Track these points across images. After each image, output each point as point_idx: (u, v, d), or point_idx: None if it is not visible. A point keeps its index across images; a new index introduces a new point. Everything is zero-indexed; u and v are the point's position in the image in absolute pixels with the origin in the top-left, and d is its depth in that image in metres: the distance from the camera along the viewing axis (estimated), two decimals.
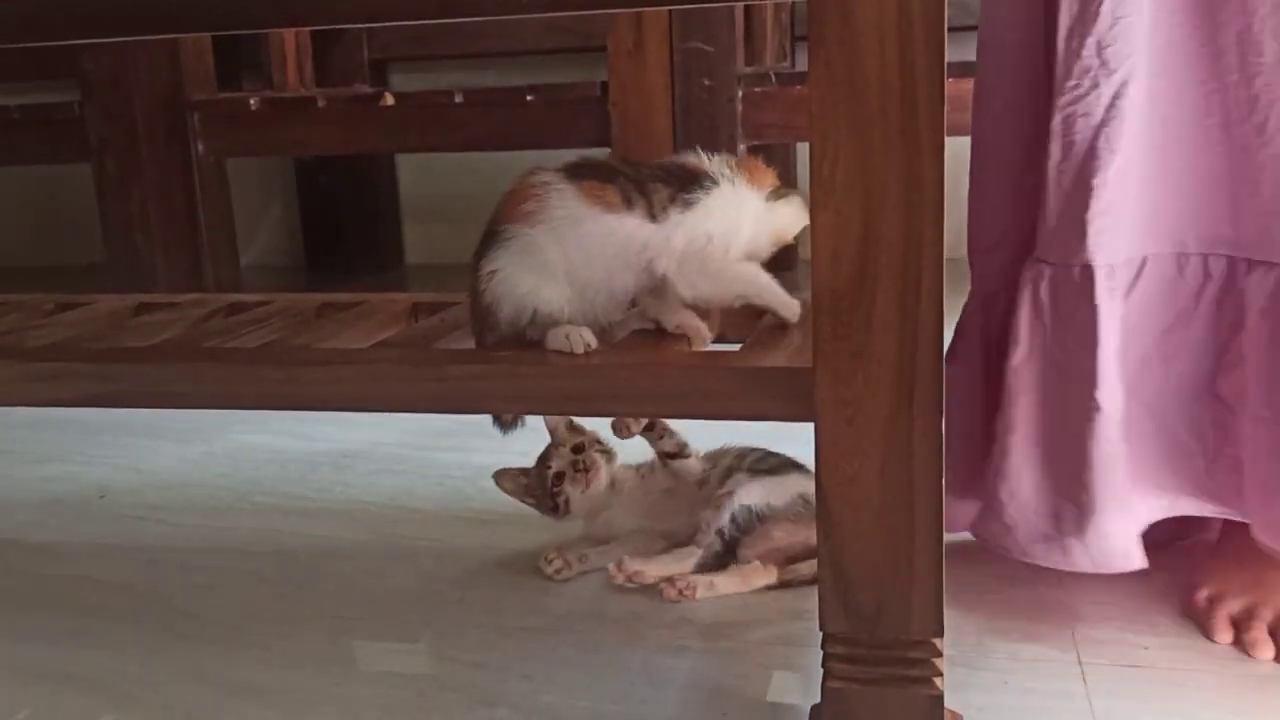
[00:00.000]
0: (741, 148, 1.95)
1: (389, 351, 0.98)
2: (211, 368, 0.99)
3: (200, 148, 2.21)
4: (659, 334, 0.94)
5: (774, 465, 1.14)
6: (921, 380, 0.68)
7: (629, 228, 0.86)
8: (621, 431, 1.10)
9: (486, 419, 0.95)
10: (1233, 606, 0.95)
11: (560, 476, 1.14)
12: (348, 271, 2.87)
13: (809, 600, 0.80)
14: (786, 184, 0.94)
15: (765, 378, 0.83)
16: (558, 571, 1.12)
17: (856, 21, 0.62)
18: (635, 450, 1.17)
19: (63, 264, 3.17)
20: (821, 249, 0.67)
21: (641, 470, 1.18)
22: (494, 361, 0.91)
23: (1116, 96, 0.86)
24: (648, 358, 0.88)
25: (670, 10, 1.85)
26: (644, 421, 1.11)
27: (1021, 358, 0.93)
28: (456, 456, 1.46)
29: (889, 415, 0.68)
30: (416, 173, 2.91)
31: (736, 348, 0.96)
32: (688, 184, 0.88)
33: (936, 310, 0.67)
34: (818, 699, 0.78)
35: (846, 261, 0.66)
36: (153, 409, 1.01)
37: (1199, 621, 0.96)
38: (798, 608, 1.03)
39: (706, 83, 1.91)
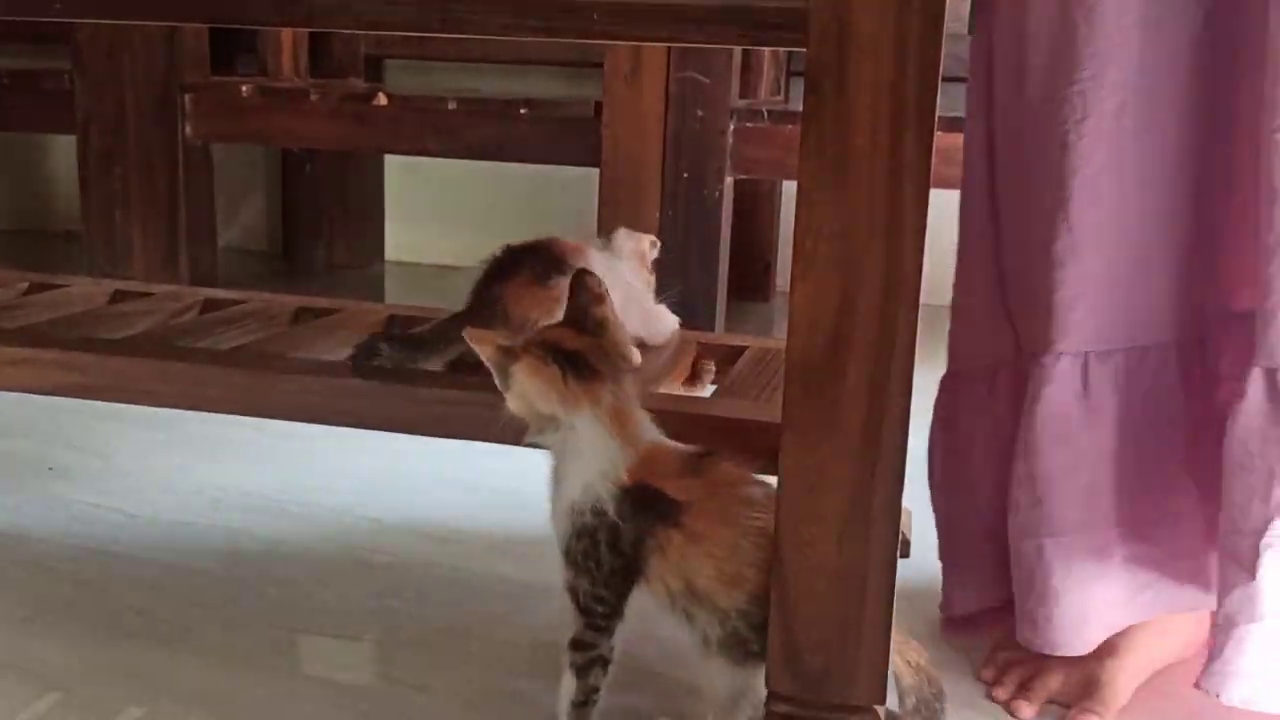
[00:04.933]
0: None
1: (361, 367, 0.98)
2: (182, 368, 0.99)
3: (188, 130, 2.19)
4: None
5: None
6: (885, 454, 0.68)
7: None
8: None
9: None
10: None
11: None
12: (326, 264, 2.85)
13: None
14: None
15: (732, 429, 0.84)
16: None
17: (851, 100, 0.63)
18: None
19: (38, 229, 3.13)
20: (799, 318, 0.68)
21: None
22: (467, 388, 0.92)
23: None
24: None
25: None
26: None
27: None
28: (419, 467, 1.45)
29: (851, 485, 0.69)
30: (404, 172, 2.90)
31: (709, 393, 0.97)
32: None
33: (906, 387, 0.68)
34: None
35: (822, 333, 0.67)
36: (120, 404, 1.01)
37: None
38: None
39: (700, 114, 1.91)
